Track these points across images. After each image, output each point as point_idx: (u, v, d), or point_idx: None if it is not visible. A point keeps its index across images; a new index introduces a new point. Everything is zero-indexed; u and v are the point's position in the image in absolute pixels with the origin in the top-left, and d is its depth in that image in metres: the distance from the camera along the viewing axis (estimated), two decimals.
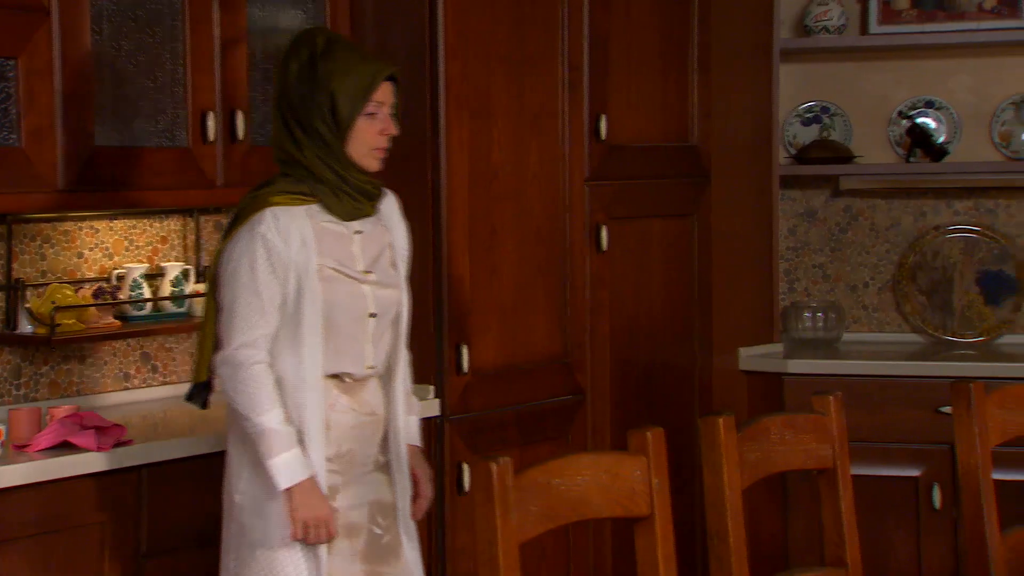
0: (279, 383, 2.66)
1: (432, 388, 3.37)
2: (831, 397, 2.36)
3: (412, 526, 2.80)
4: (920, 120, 4.43)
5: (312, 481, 2.62)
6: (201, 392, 2.80)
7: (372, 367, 2.75)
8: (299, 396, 2.66)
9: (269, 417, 2.61)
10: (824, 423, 2.33)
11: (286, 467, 2.61)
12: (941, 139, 4.41)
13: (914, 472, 4.03)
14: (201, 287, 3.32)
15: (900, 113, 4.47)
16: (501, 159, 3.52)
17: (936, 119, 4.44)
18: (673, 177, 4.00)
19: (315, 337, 2.68)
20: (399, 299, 2.81)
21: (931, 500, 4.04)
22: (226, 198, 3.27)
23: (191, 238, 3.52)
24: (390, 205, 2.85)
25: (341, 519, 2.69)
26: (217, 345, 2.71)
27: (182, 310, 3.37)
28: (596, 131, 3.72)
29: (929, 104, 4.45)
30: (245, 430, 2.64)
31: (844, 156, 4.44)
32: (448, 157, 3.38)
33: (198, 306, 3.32)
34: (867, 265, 4.55)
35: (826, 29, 4.38)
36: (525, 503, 1.67)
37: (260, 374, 2.64)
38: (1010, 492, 2.82)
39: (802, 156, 4.48)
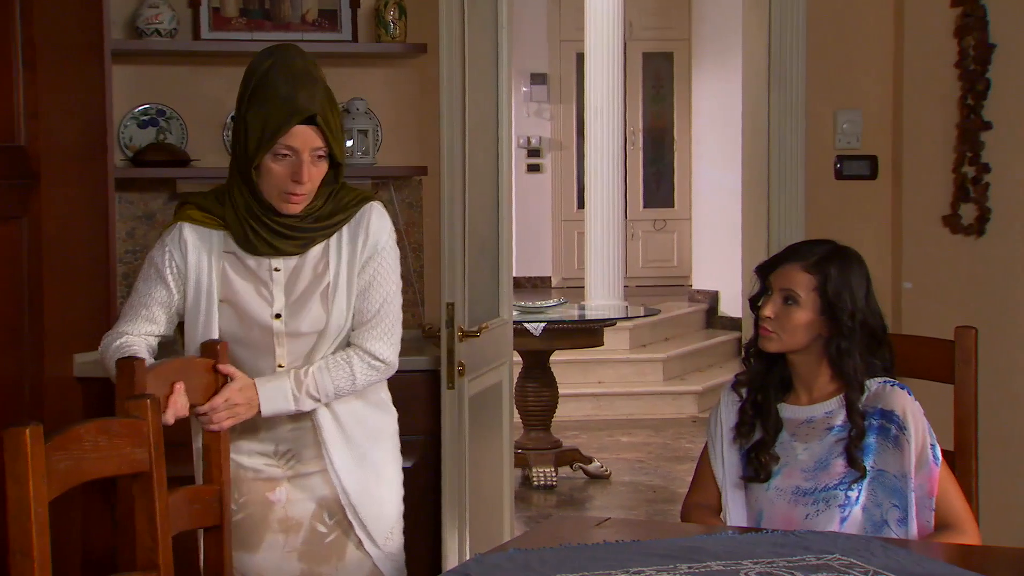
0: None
1: None
2: (147, 401, 2.36)
3: (383, 527, 2.69)
4: None
5: None
6: None
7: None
8: None
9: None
10: (140, 427, 2.32)
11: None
12: None
13: None
14: None
15: (234, 118, 4.53)
16: None
17: None
18: None
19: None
20: (316, 333, 2.66)
21: None
22: None
23: None
24: (360, 222, 2.71)
25: (279, 513, 2.62)
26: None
27: None
28: None
29: None
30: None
31: (181, 159, 4.46)
32: None
33: None
34: None
35: (158, 32, 4.37)
36: None
37: (118, 343, 2.71)
38: None
39: (139, 159, 4.44)
